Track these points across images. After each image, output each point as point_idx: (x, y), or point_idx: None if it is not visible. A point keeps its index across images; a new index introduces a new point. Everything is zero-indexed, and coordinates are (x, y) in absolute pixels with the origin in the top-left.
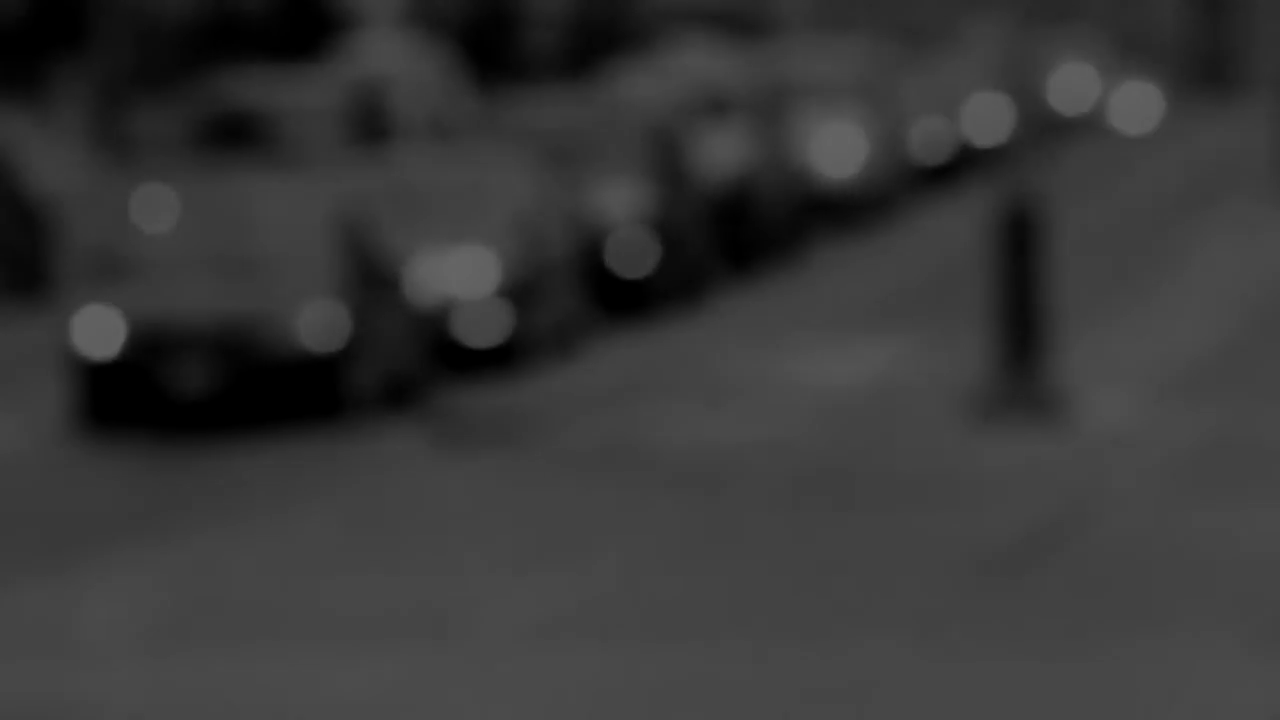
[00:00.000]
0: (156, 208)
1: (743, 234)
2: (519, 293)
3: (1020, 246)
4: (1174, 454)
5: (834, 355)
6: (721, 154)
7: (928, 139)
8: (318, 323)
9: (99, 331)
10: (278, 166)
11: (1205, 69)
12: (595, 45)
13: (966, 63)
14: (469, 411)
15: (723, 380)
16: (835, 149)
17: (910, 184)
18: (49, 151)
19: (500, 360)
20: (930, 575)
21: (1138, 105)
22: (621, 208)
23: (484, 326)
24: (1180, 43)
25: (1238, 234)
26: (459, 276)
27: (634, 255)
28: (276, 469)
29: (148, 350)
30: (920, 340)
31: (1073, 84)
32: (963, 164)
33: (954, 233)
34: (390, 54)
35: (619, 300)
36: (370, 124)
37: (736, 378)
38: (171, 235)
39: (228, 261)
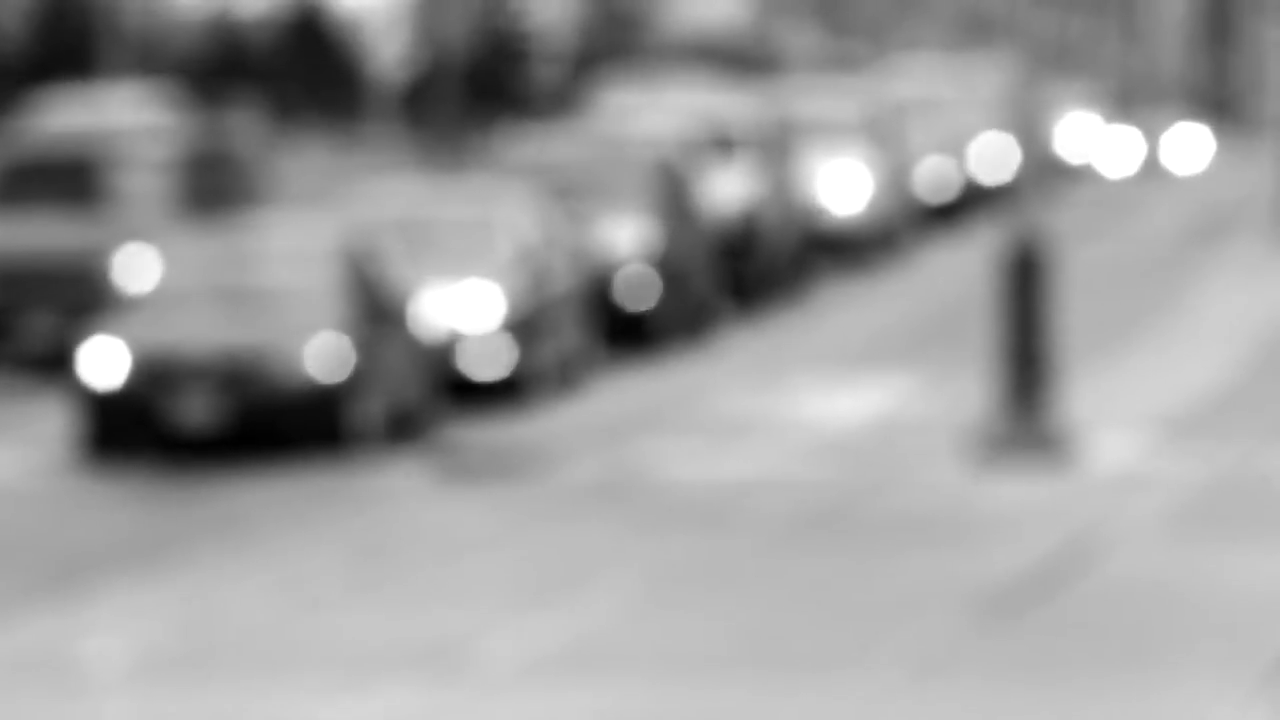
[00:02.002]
0: None
1: (748, 271)
2: (524, 327)
3: (1025, 286)
4: (1178, 495)
5: (838, 393)
6: (727, 191)
7: (933, 178)
8: (323, 355)
9: (104, 362)
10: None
11: (1212, 109)
12: (600, 80)
13: (972, 102)
14: (473, 445)
15: (726, 417)
16: (841, 187)
17: (916, 222)
18: None
19: (505, 394)
20: (931, 615)
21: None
22: (627, 243)
23: (489, 360)
24: (1187, 83)
25: (1241, 274)
26: (464, 310)
27: (639, 291)
28: (280, 501)
29: (152, 381)
30: (924, 379)
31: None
32: (968, 203)
33: (959, 272)
34: (126, 102)
35: (623, 335)
36: (221, 178)
37: (740, 415)
38: (178, 267)
39: (233, 294)
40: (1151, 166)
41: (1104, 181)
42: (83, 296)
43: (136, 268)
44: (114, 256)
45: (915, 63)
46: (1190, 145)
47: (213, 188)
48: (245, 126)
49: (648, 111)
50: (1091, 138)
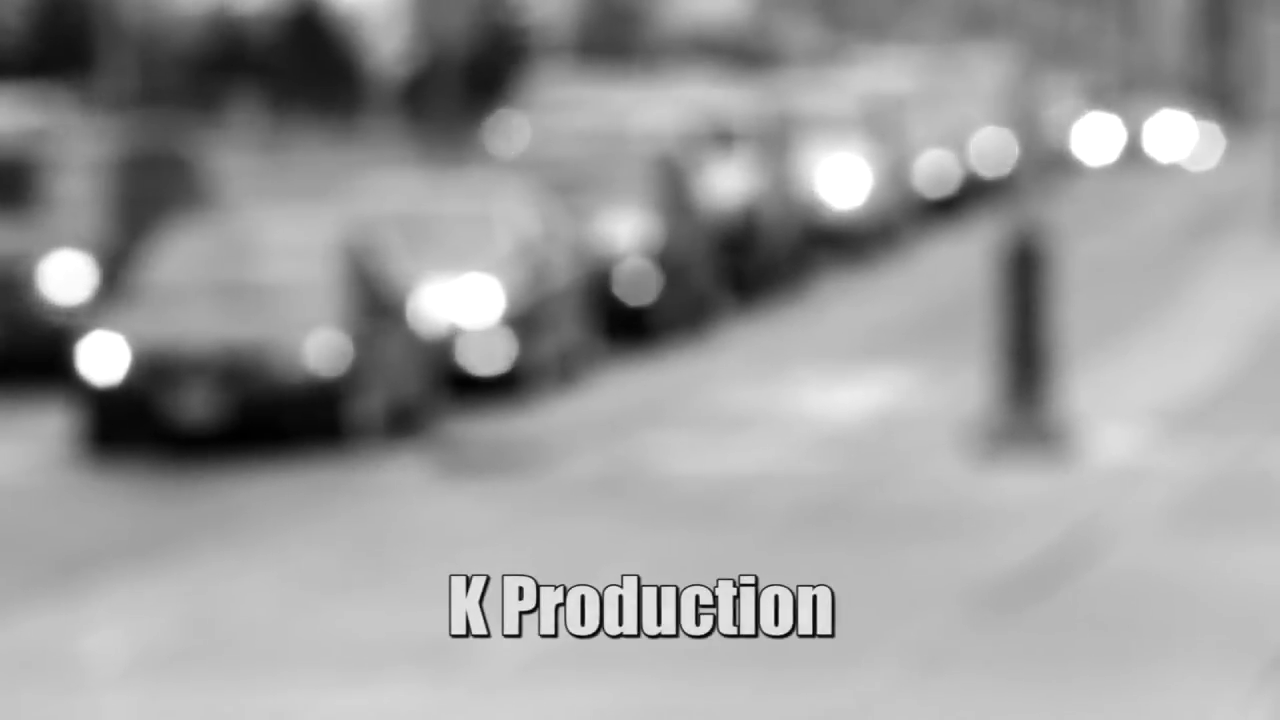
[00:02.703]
0: None
1: (748, 265)
2: (523, 321)
3: (1025, 279)
4: (1178, 488)
5: (838, 387)
6: (727, 185)
7: (933, 171)
8: (322, 350)
9: (104, 357)
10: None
11: (1212, 103)
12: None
13: (972, 95)
14: (473, 440)
15: (726, 411)
16: (841, 181)
17: (915, 216)
18: None
19: (504, 389)
20: (932, 608)
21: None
22: (627, 237)
23: (488, 355)
24: (1187, 77)
25: (1241, 268)
26: (464, 305)
27: (639, 285)
28: (280, 496)
29: (152, 376)
30: (924, 373)
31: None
32: (968, 196)
33: (959, 265)
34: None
35: (623, 330)
36: (161, 180)
37: (740, 408)
38: (178, 262)
39: (233, 289)
40: (1133, 154)
41: (1086, 170)
42: (9, 303)
43: (67, 274)
44: (42, 263)
45: (903, 55)
46: (1173, 132)
47: (152, 190)
48: (190, 126)
49: (586, 107)
50: (1072, 126)
